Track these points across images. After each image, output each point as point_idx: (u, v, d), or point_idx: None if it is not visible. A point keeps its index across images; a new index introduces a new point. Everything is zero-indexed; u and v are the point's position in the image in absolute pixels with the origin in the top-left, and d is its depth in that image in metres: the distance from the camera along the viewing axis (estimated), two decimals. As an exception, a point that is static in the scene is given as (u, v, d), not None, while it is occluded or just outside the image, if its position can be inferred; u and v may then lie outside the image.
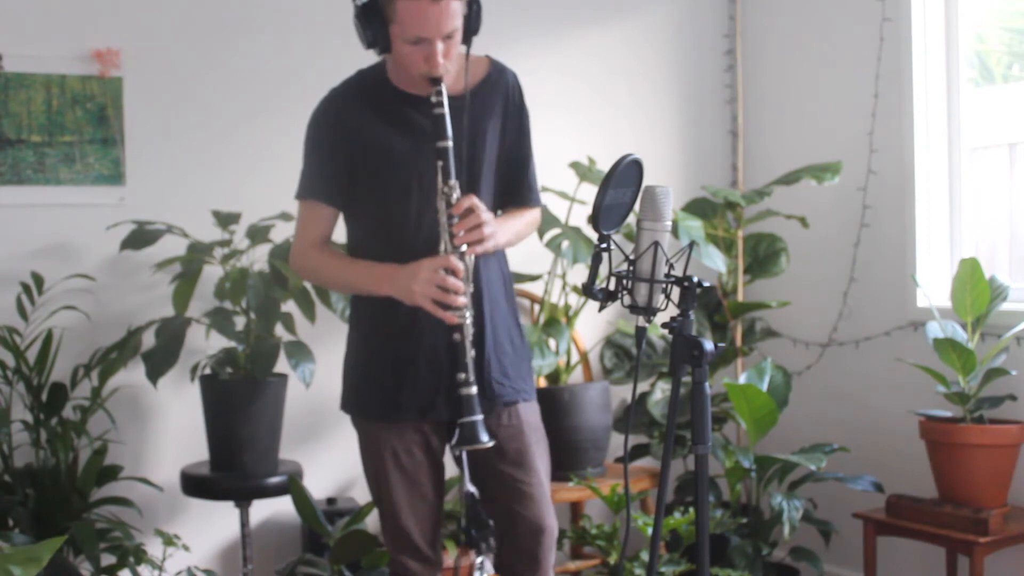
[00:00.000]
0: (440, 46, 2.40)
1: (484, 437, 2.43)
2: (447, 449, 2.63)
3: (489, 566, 2.57)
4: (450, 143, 2.45)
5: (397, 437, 2.55)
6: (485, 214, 2.45)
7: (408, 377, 2.53)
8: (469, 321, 2.44)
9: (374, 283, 2.51)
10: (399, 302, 2.50)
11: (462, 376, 2.44)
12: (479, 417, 2.44)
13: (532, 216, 2.71)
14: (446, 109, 2.46)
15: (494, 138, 2.58)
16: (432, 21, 2.37)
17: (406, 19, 2.37)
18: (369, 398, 2.59)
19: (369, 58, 2.65)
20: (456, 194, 2.44)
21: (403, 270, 2.45)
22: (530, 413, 2.62)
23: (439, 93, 2.45)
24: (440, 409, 2.54)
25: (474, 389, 2.44)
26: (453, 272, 2.41)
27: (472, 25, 2.48)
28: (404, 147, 2.52)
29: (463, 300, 2.42)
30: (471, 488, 2.56)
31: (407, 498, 2.56)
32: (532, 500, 2.55)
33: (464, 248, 2.44)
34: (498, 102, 2.59)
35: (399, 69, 2.53)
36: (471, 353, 2.45)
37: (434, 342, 2.52)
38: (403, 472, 2.55)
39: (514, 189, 2.64)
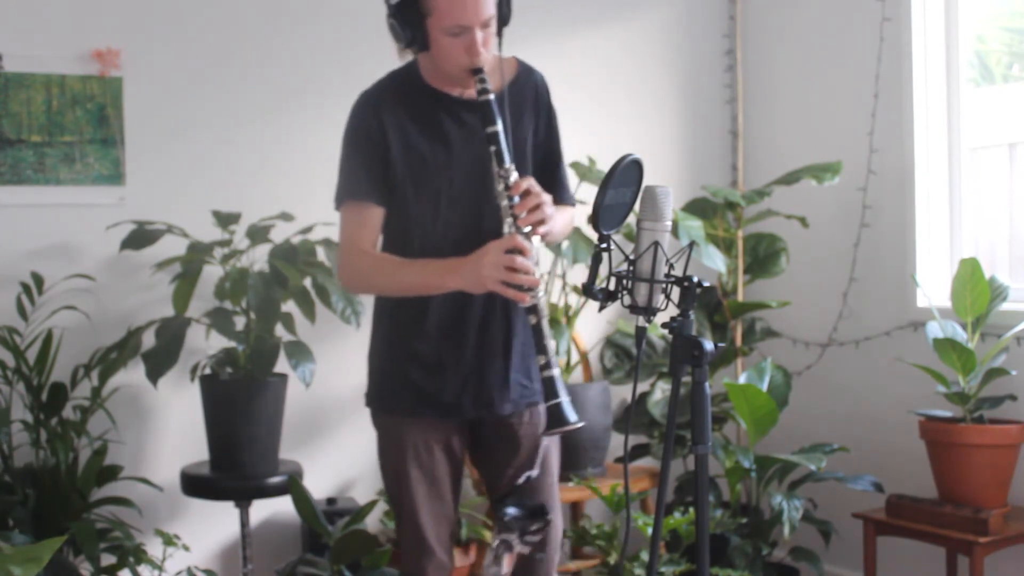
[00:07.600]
0: (479, 35, 2.37)
1: (572, 417, 2.31)
2: (467, 452, 2.61)
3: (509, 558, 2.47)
4: (499, 127, 2.39)
5: (419, 435, 2.51)
6: (544, 195, 2.40)
7: (434, 377, 2.50)
8: (543, 301, 2.36)
9: (437, 278, 2.42)
10: (424, 302, 2.47)
11: (543, 360, 2.33)
12: (566, 398, 2.32)
13: (571, 213, 2.68)
14: (492, 96, 2.41)
15: (528, 137, 2.55)
16: (471, 8, 2.35)
17: (445, 8, 2.35)
18: (394, 395, 2.54)
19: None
20: (513, 176, 2.38)
21: (467, 259, 2.37)
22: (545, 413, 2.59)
23: (483, 80, 2.40)
24: (466, 409, 2.51)
25: (556, 371, 2.33)
26: (521, 252, 2.32)
27: (504, 13, 2.46)
28: (437, 154, 2.48)
29: (536, 279, 2.33)
30: (535, 472, 2.50)
31: (425, 497, 2.51)
32: (541, 497, 2.53)
33: (528, 229, 2.36)
34: (529, 102, 2.56)
35: (435, 67, 2.48)
36: (549, 333, 2.35)
37: (460, 342, 2.49)
38: (423, 471, 2.51)
39: (548, 188, 2.54)
